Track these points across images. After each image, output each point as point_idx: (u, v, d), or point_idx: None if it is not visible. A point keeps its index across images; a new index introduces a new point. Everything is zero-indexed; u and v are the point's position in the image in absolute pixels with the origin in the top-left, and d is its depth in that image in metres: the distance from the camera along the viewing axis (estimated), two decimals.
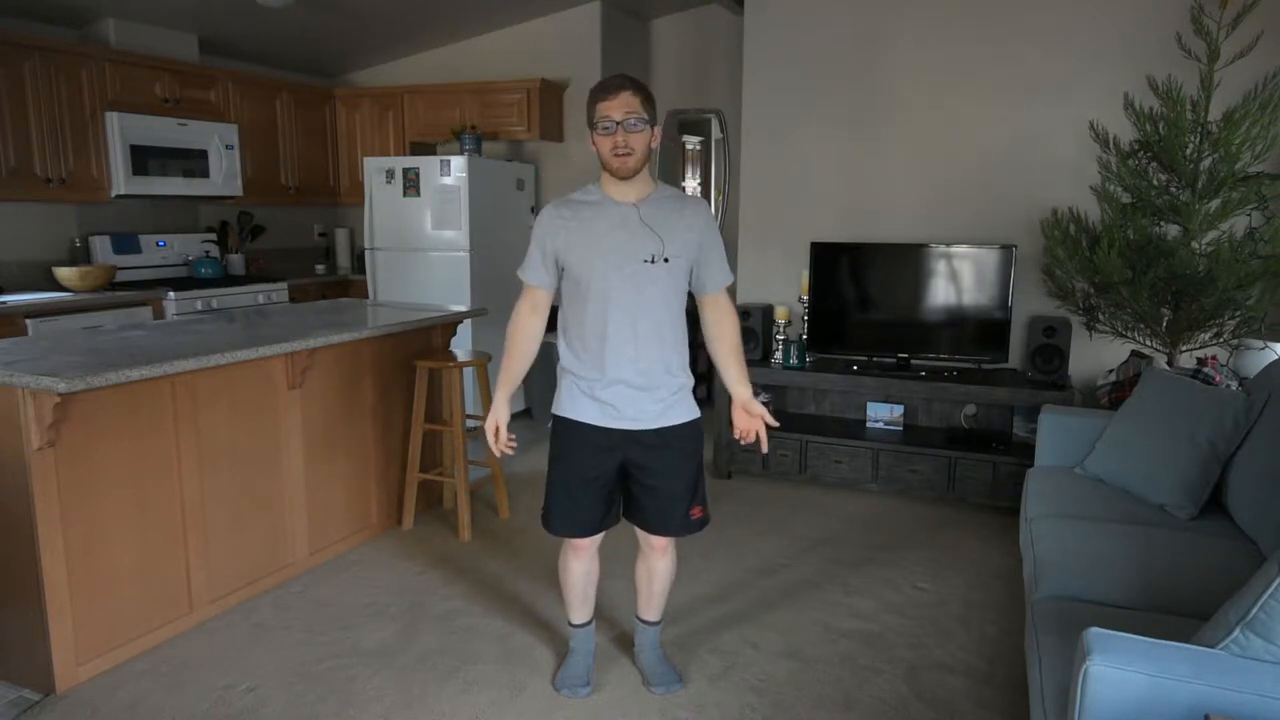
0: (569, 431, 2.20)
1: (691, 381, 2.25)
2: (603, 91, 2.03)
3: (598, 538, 2.30)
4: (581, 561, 2.32)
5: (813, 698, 2.35)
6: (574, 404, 2.18)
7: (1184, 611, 1.91)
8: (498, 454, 2.22)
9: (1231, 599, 1.46)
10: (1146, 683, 1.36)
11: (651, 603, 2.42)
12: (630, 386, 2.12)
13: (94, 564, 2.42)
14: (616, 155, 2.03)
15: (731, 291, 2.70)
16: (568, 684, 2.37)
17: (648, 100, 2.05)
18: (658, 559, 2.34)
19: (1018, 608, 2.87)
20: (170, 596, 2.65)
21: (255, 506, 2.93)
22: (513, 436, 2.22)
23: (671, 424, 2.18)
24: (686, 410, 2.21)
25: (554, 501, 2.24)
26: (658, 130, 2.11)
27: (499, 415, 2.22)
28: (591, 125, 2.06)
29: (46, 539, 2.29)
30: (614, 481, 2.23)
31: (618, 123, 2.01)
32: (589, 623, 2.42)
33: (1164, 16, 3.68)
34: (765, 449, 2.22)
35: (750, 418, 2.23)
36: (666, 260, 2.09)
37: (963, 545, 3.43)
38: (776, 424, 2.24)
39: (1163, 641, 1.42)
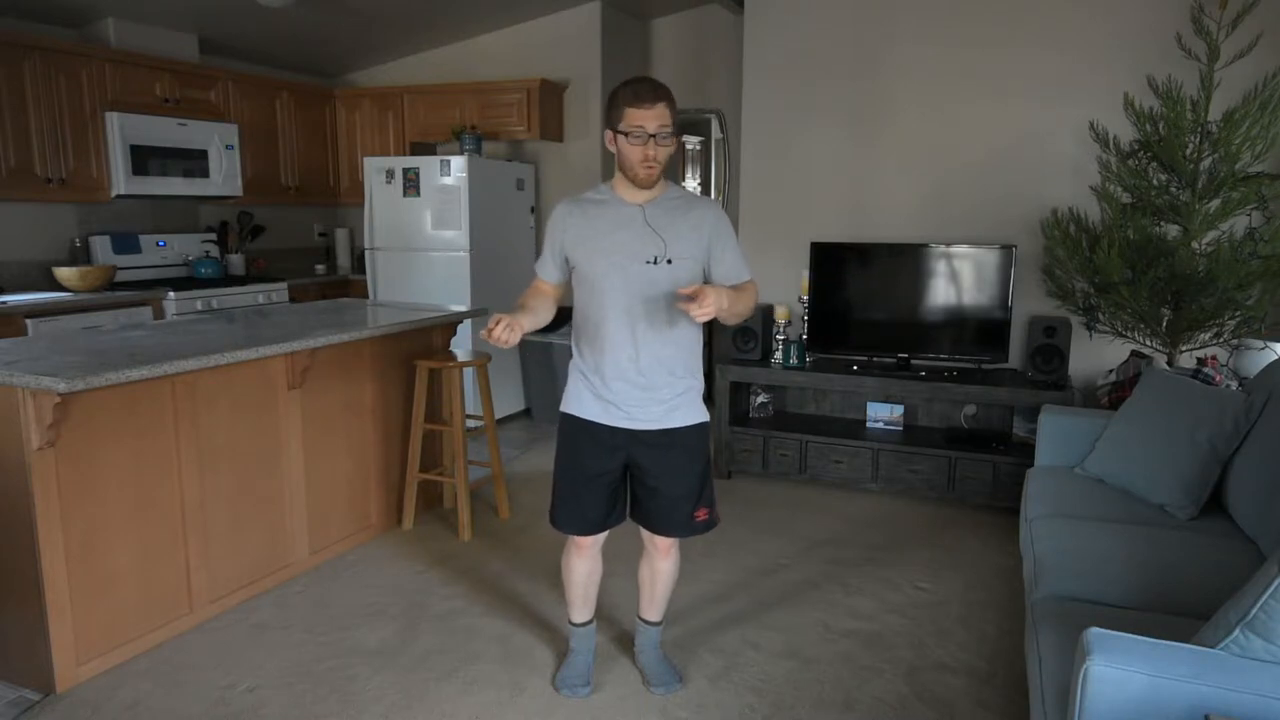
0: (574, 428, 2.20)
1: (700, 385, 2.23)
2: (637, 99, 1.98)
3: (601, 536, 2.30)
4: (584, 560, 2.32)
5: (813, 698, 2.35)
6: (580, 401, 2.19)
7: (1184, 611, 1.91)
8: (490, 335, 1.92)
9: (1231, 599, 1.46)
10: (1146, 683, 1.36)
11: (654, 603, 2.42)
12: (632, 386, 2.12)
13: (94, 564, 2.42)
14: (646, 166, 2.02)
15: None
16: (568, 684, 2.37)
17: (675, 111, 2.02)
18: (661, 559, 2.34)
19: (1018, 608, 2.87)
20: (170, 596, 2.65)
21: (255, 506, 2.93)
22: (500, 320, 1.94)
23: (676, 426, 2.17)
24: (692, 413, 2.21)
25: (560, 498, 2.25)
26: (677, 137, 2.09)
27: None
28: (617, 128, 2.01)
29: (46, 539, 2.29)
30: (619, 480, 2.23)
31: (651, 135, 1.98)
32: (590, 622, 2.42)
33: (1164, 16, 3.68)
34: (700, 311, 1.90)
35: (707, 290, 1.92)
36: (670, 262, 2.09)
37: (963, 545, 3.43)
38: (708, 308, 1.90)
39: (1163, 641, 1.42)
